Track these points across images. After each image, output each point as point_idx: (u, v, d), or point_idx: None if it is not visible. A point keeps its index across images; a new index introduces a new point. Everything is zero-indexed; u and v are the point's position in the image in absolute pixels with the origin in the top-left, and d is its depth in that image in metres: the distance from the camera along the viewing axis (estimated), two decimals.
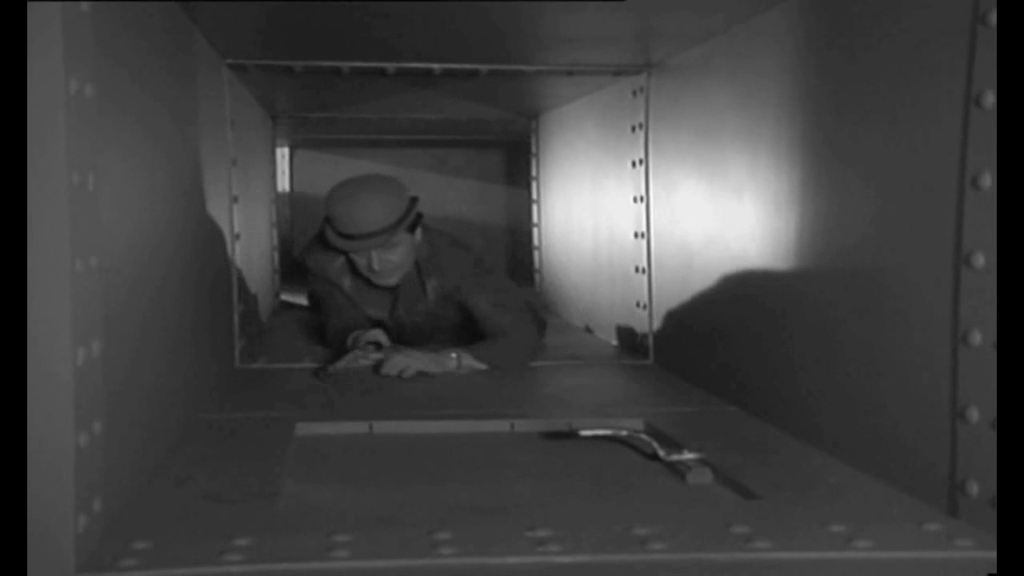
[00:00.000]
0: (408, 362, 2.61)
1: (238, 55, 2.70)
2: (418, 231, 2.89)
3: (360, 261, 2.84)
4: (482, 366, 2.69)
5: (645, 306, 2.90)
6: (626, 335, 3.07)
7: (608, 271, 3.28)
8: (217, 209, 2.51)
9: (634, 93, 2.96)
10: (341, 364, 2.67)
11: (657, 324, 2.85)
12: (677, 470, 1.72)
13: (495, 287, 2.96)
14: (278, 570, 1.22)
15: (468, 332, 2.97)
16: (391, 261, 2.83)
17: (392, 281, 2.89)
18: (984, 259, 1.34)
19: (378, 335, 2.82)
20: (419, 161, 5.74)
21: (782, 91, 2.03)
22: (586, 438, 1.87)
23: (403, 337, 3.01)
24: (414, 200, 2.88)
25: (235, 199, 2.86)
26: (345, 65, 2.78)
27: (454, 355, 2.68)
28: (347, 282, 3.00)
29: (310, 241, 3.09)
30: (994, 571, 1.21)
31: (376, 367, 2.65)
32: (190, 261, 2.09)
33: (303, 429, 2.00)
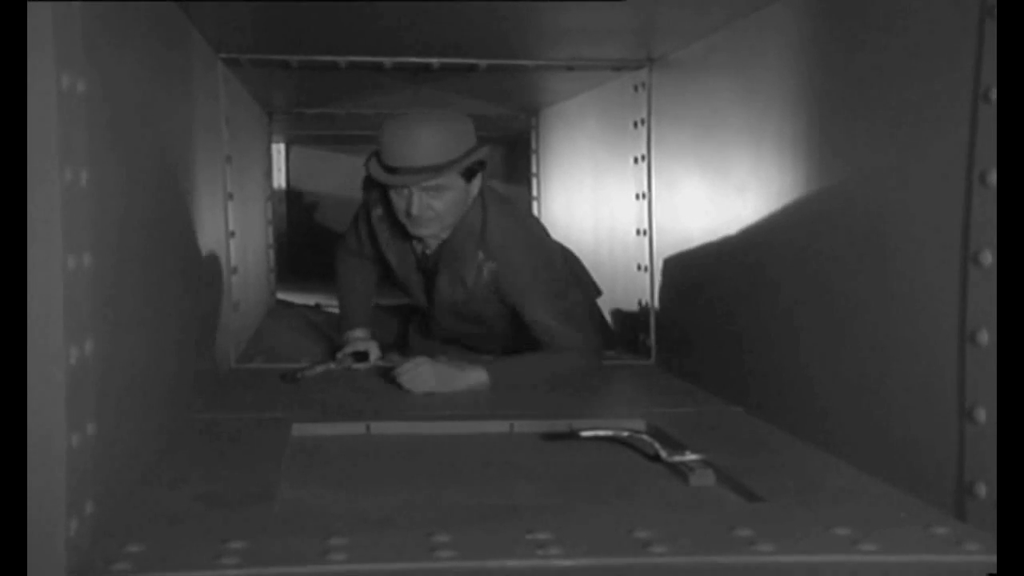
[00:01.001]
0: (415, 384, 2.38)
1: (233, 49, 2.69)
2: (476, 181, 2.51)
3: (399, 203, 2.48)
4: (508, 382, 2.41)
5: (647, 304, 2.89)
6: (627, 334, 3.07)
7: (609, 269, 3.27)
8: (211, 206, 2.51)
9: (636, 88, 2.95)
10: (313, 372, 2.56)
11: (659, 323, 2.84)
12: (679, 472, 1.72)
13: (560, 294, 2.58)
14: (274, 574, 1.21)
15: (523, 334, 2.61)
16: (432, 207, 2.45)
17: (428, 232, 2.51)
18: (992, 257, 1.34)
19: (369, 347, 2.70)
20: None
21: (786, 86, 2.03)
22: (587, 439, 1.87)
23: (439, 326, 2.74)
24: (481, 146, 2.51)
25: (230, 196, 2.86)
26: (342, 59, 2.78)
27: (483, 374, 2.43)
28: (385, 235, 2.66)
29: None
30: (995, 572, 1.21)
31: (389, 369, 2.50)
32: (184, 259, 2.09)
33: (299, 430, 2.00)
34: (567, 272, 2.72)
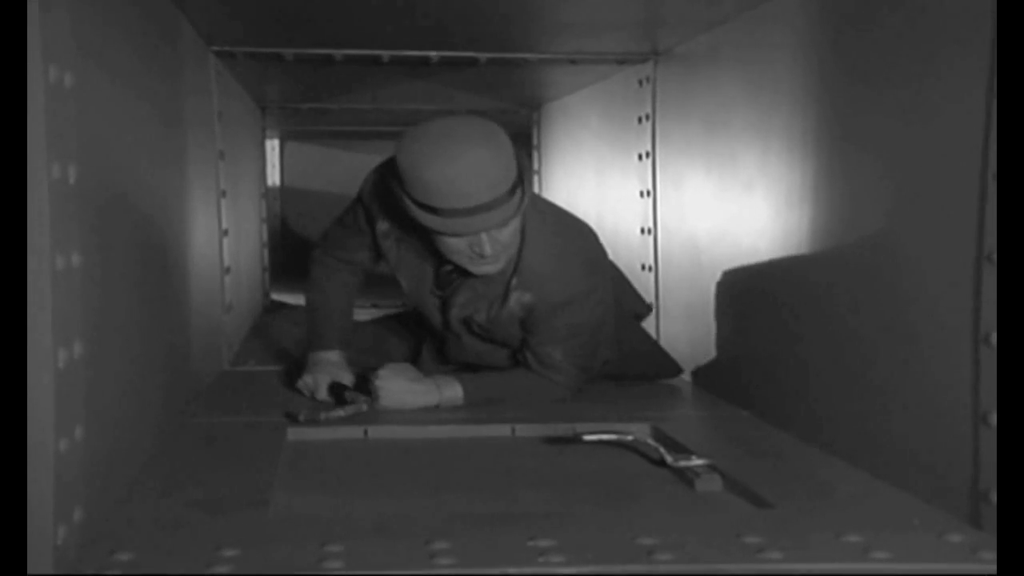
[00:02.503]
0: (389, 400, 2.22)
1: (225, 42, 2.69)
2: (519, 190, 2.10)
3: (457, 245, 2.08)
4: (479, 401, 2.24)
5: (651, 305, 2.89)
6: None
7: None
8: (204, 204, 2.51)
9: (640, 83, 2.95)
10: (337, 414, 2.15)
11: (663, 325, 2.84)
12: (685, 477, 1.72)
13: (581, 331, 2.29)
14: None
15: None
16: (500, 241, 2.09)
17: (497, 268, 2.17)
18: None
19: (342, 377, 2.33)
20: None
21: (795, 80, 2.03)
22: (590, 443, 1.87)
23: (455, 349, 2.42)
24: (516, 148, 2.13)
25: (223, 193, 2.86)
26: (338, 53, 2.78)
27: (457, 388, 2.25)
28: (394, 255, 2.32)
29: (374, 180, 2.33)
30: None
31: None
32: (176, 259, 2.09)
33: (294, 434, 2.00)
34: (607, 296, 2.36)
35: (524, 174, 2.09)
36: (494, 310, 2.25)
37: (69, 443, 1.22)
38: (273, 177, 5.51)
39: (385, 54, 2.81)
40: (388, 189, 2.15)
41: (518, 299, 2.21)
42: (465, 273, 2.20)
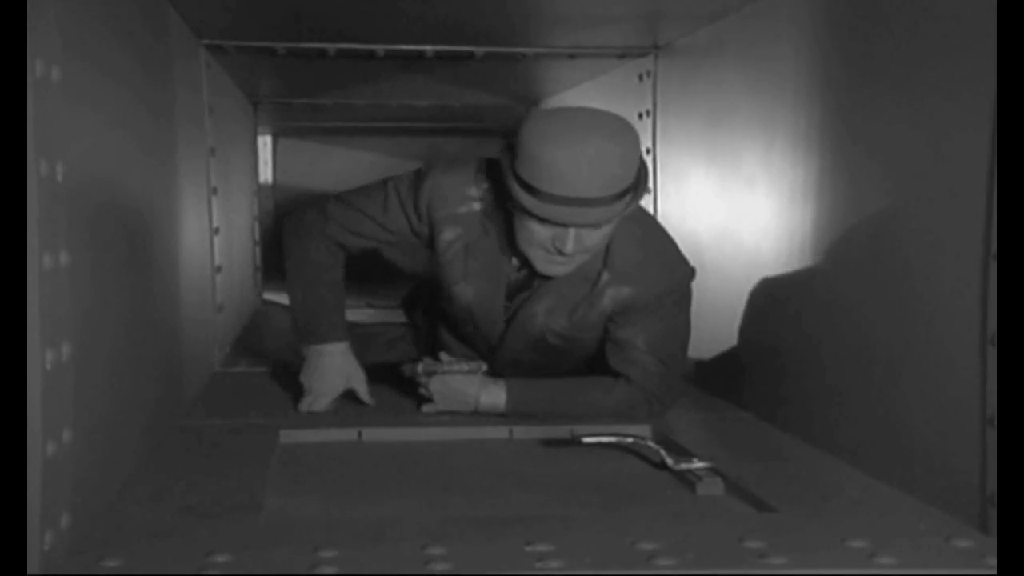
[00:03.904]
0: (446, 402, 2.17)
1: (216, 35, 2.69)
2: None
3: (541, 234, 2.00)
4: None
5: None
6: None
7: None
8: (194, 201, 2.51)
9: (640, 77, 2.95)
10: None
11: None
12: (686, 480, 1.72)
13: (678, 329, 2.22)
14: None
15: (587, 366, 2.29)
16: (584, 243, 2.01)
17: (566, 271, 2.09)
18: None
19: (354, 376, 2.24)
20: (411, 150, 5.72)
21: (798, 74, 2.03)
22: (589, 445, 1.87)
23: (503, 363, 2.26)
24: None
25: (214, 191, 2.85)
26: (331, 47, 2.78)
27: (500, 395, 2.14)
28: (458, 265, 2.18)
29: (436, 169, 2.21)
30: None
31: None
32: (166, 257, 2.09)
33: (287, 436, 2.00)
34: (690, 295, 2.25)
35: (640, 183, 2.01)
36: (579, 312, 2.16)
37: (57, 446, 1.22)
38: (265, 174, 5.49)
39: (380, 48, 2.81)
40: (460, 196, 2.14)
41: (614, 295, 2.13)
42: (537, 275, 2.13)
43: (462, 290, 2.20)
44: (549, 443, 1.98)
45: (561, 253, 2.01)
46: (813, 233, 1.96)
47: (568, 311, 2.16)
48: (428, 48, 2.82)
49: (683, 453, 1.82)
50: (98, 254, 1.49)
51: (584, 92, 3.65)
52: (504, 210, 2.09)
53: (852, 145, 1.83)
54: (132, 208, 1.78)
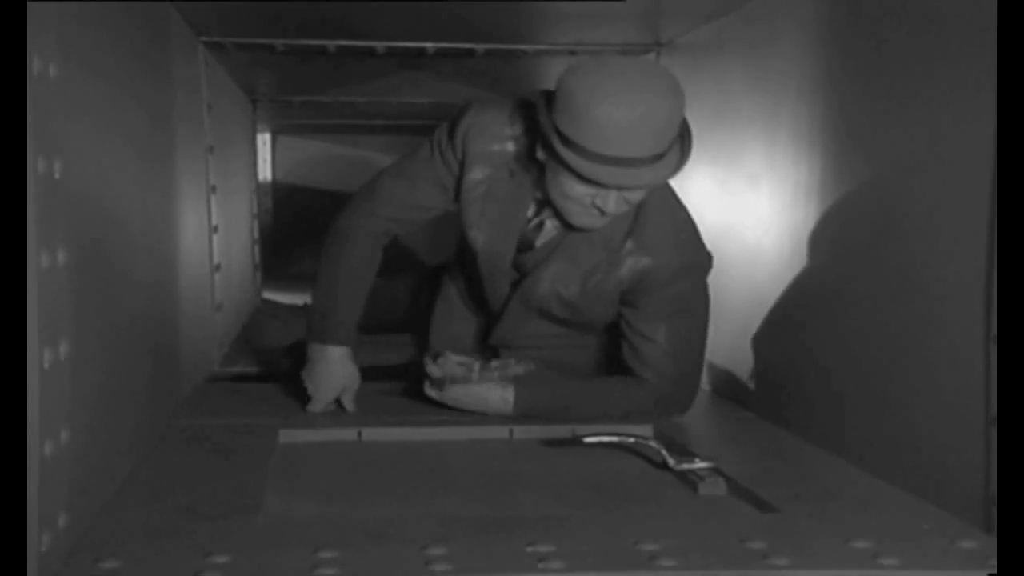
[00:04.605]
0: (458, 400, 2.14)
1: (215, 32, 2.69)
2: None
3: (578, 193, 1.92)
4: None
5: None
6: None
7: None
8: (193, 200, 2.51)
9: None
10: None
11: None
12: (688, 480, 1.72)
13: (696, 312, 2.14)
14: None
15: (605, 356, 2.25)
16: (629, 201, 1.95)
17: (597, 226, 2.02)
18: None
19: (351, 380, 2.18)
20: (411, 148, 5.72)
21: (802, 71, 2.02)
22: (590, 445, 1.87)
23: (507, 329, 2.24)
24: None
25: (213, 189, 2.85)
26: (331, 44, 2.78)
27: (508, 395, 2.09)
28: (475, 211, 2.11)
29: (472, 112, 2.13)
30: None
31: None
32: (164, 256, 2.09)
33: (287, 436, 2.00)
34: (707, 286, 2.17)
35: (687, 140, 1.95)
36: (593, 280, 2.08)
37: (54, 446, 1.22)
38: (264, 172, 5.50)
39: (380, 45, 2.81)
40: (496, 133, 2.06)
41: (633, 264, 2.05)
42: (567, 226, 2.05)
43: (474, 236, 2.14)
44: (550, 443, 1.98)
45: (601, 212, 1.94)
46: (816, 231, 1.96)
47: (581, 277, 2.09)
48: (429, 45, 2.82)
49: (685, 453, 1.82)
50: (96, 252, 1.49)
51: None
52: (532, 158, 2.01)
53: (855, 143, 1.82)
54: (130, 206, 1.78)
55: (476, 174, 2.10)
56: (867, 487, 1.65)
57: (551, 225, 2.11)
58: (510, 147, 2.08)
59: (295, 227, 5.64)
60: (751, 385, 2.25)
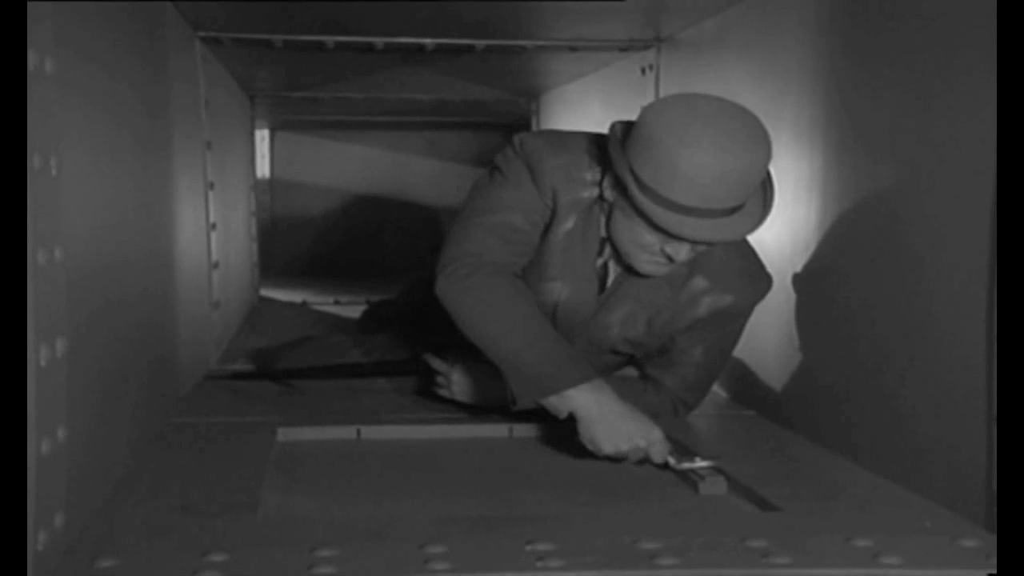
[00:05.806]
0: (464, 393, 2.13)
1: (212, 27, 2.69)
2: None
3: (648, 241, 1.83)
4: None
5: None
6: None
7: None
8: (191, 197, 2.51)
9: (643, 71, 2.95)
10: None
11: None
12: (689, 479, 1.72)
13: (735, 333, 2.07)
14: None
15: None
16: (701, 248, 1.86)
17: (664, 272, 1.92)
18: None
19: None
20: (410, 145, 5.73)
21: (803, 67, 2.02)
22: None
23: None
24: None
25: (211, 186, 2.85)
26: (329, 39, 2.78)
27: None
28: (557, 258, 1.96)
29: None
30: None
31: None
32: (162, 253, 2.09)
33: (285, 435, 2.00)
34: None
35: (770, 189, 1.83)
36: (662, 318, 1.98)
37: (51, 444, 1.22)
38: (262, 168, 5.50)
39: (379, 41, 2.80)
40: (583, 180, 1.89)
41: (713, 303, 1.96)
42: (627, 268, 1.94)
43: (558, 288, 1.97)
44: (550, 440, 1.98)
45: (670, 259, 1.84)
46: (817, 229, 1.96)
47: (647, 317, 1.99)
48: (428, 41, 2.82)
49: (686, 452, 1.82)
50: (92, 249, 1.49)
51: (586, 85, 3.65)
52: (601, 197, 1.90)
53: (857, 139, 1.82)
54: (127, 203, 1.78)
55: (567, 224, 1.94)
56: (868, 485, 1.65)
57: (613, 267, 2.00)
58: (595, 193, 1.91)
59: (293, 224, 5.65)
60: (751, 383, 2.25)
